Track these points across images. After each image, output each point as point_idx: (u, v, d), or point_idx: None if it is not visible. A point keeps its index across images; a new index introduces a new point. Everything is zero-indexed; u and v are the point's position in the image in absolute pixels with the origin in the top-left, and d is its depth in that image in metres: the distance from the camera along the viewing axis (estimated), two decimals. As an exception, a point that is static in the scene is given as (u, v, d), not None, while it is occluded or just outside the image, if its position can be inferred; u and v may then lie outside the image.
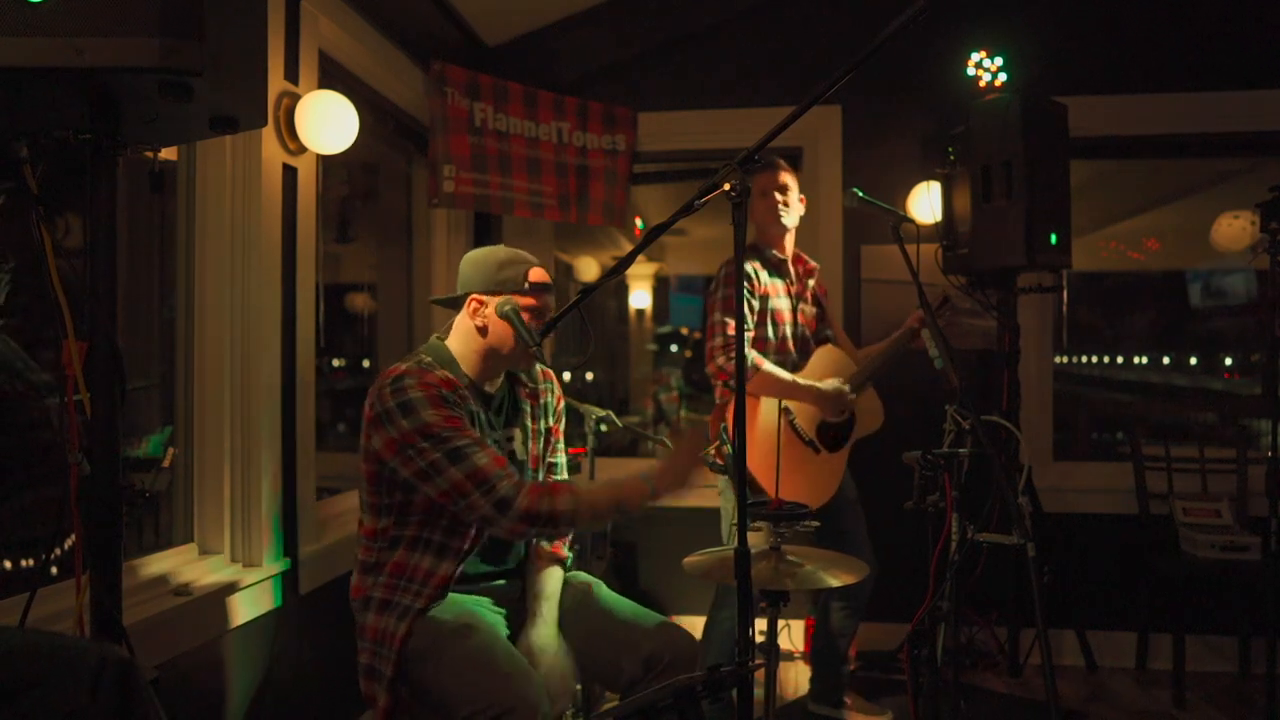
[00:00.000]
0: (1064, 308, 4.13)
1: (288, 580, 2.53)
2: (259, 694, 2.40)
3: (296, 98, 2.51)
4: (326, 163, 2.80)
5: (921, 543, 2.34)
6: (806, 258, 3.03)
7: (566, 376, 5.93)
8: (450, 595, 1.93)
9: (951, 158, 3.41)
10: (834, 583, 1.67)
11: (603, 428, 2.82)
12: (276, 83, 2.45)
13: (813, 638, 3.07)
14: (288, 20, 2.51)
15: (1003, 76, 3.61)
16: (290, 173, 2.55)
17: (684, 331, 9.55)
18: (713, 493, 2.89)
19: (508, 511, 1.77)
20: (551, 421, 2.18)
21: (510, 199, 3.55)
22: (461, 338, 2.00)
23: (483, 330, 1.96)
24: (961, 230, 3.34)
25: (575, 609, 2.04)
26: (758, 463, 2.66)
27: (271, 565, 2.43)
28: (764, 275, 2.85)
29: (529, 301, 1.96)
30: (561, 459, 2.23)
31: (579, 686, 2.57)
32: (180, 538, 2.35)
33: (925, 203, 3.60)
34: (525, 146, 3.60)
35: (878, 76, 3.72)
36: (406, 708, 1.89)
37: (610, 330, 8.51)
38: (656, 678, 1.85)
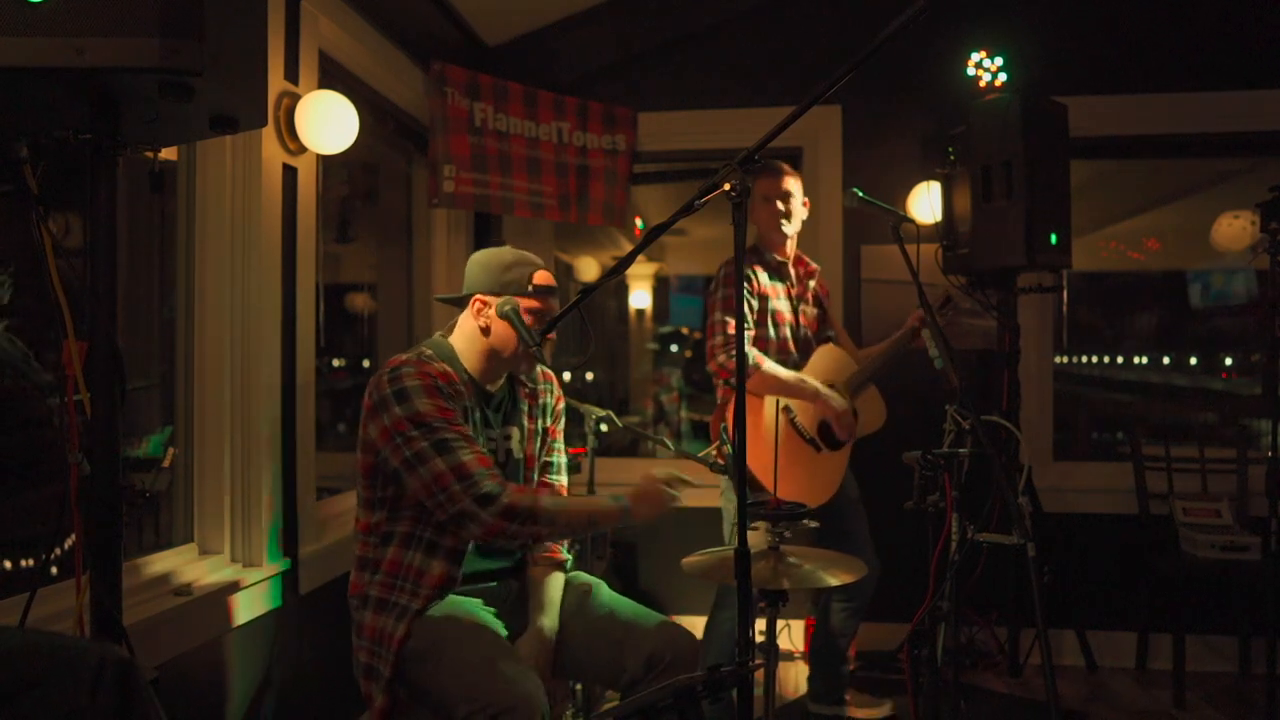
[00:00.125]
0: (1064, 308, 4.14)
1: (288, 580, 2.53)
2: (259, 694, 2.40)
3: (296, 98, 2.51)
4: (326, 163, 2.80)
5: (921, 543, 2.34)
6: (807, 259, 3.03)
7: (566, 376, 5.92)
8: (448, 596, 1.92)
9: (951, 158, 3.41)
10: (833, 582, 1.67)
11: (603, 428, 2.82)
12: (276, 83, 2.45)
13: (813, 637, 3.07)
14: (288, 20, 2.51)
15: (1003, 76, 3.61)
16: (290, 173, 2.55)
17: (684, 331, 9.54)
18: (712, 492, 2.89)
19: (489, 506, 1.77)
20: (549, 422, 2.19)
21: (510, 199, 3.55)
22: (465, 337, 2.01)
23: (485, 330, 1.97)
24: (961, 230, 3.34)
25: (576, 609, 2.04)
26: (758, 461, 2.66)
27: (271, 565, 2.43)
28: (763, 277, 2.85)
29: (533, 304, 1.96)
30: (560, 459, 2.23)
31: (579, 686, 2.58)
32: (180, 538, 2.35)
33: (925, 203, 3.60)
34: (525, 146, 3.60)
35: (878, 76, 3.72)
36: (404, 708, 1.89)
37: (610, 330, 8.51)
38: (657, 677, 1.85)
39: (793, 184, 2.88)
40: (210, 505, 2.37)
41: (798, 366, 2.88)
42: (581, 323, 1.78)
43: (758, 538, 1.74)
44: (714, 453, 2.00)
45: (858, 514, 2.96)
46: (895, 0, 1.27)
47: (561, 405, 2.23)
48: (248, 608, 2.34)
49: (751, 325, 2.80)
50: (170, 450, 2.33)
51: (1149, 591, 3.51)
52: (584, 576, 2.17)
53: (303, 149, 2.56)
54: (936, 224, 3.50)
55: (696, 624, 2.97)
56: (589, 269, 7.23)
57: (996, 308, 3.41)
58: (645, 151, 3.94)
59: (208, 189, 2.37)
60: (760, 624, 1.84)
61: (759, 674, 1.54)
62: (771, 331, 2.85)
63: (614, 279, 1.78)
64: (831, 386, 2.90)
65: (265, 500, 2.42)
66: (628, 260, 1.66)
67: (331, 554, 2.71)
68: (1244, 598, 3.43)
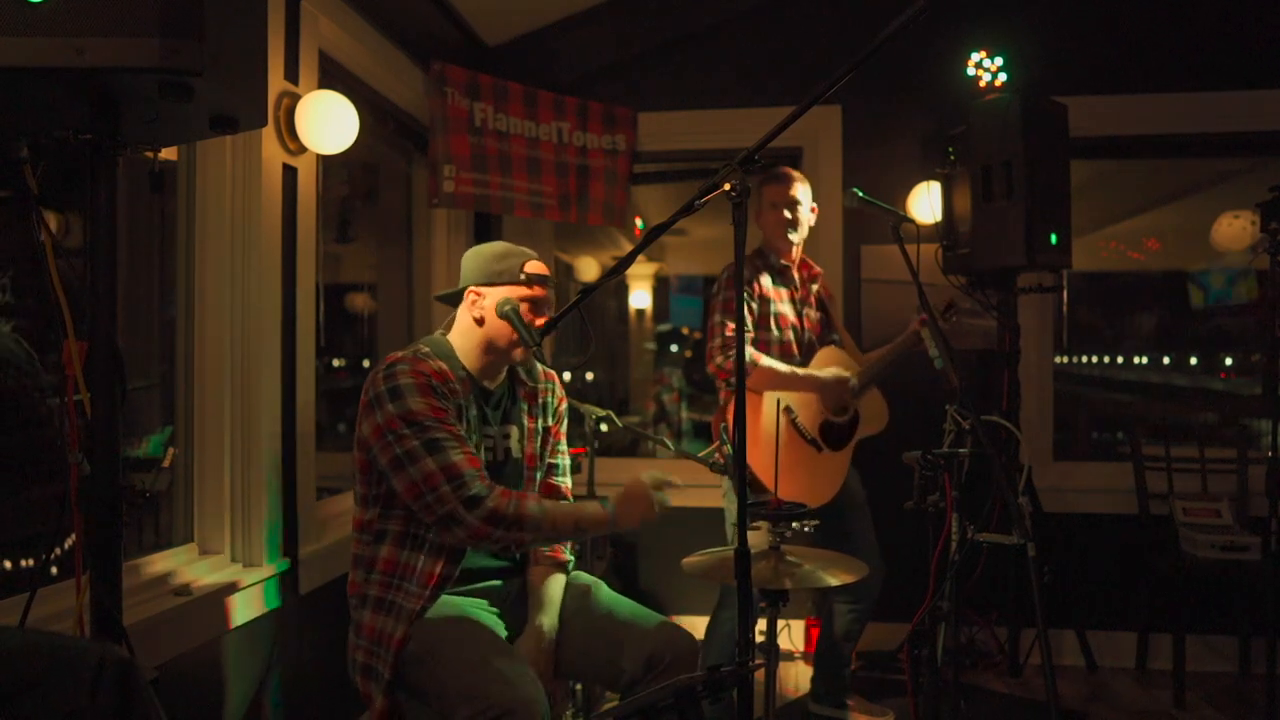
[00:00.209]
0: (1064, 308, 4.14)
1: (287, 580, 2.53)
2: (259, 694, 2.40)
3: (296, 98, 2.51)
4: (326, 163, 2.80)
5: (921, 543, 2.34)
6: (811, 263, 3.04)
7: (567, 376, 5.92)
8: (445, 597, 1.92)
9: (951, 158, 3.41)
10: (833, 582, 1.67)
11: (603, 428, 2.82)
12: (276, 83, 2.45)
13: (818, 639, 3.07)
14: (288, 20, 2.51)
15: (1003, 76, 3.61)
16: (290, 173, 2.55)
17: (684, 331, 9.54)
18: (712, 492, 2.89)
19: (475, 509, 1.77)
20: (550, 422, 2.18)
21: (510, 199, 3.55)
22: (462, 332, 2.02)
23: (479, 321, 1.98)
24: (961, 230, 3.35)
25: (576, 609, 2.04)
26: (759, 461, 2.67)
27: (271, 565, 2.43)
28: (767, 281, 2.86)
29: (525, 291, 1.96)
30: (564, 461, 2.23)
31: (579, 686, 2.58)
32: (180, 538, 2.35)
33: (925, 203, 3.60)
34: (525, 146, 3.60)
35: (878, 76, 3.72)
36: (404, 709, 1.89)
37: (610, 330, 8.51)
38: (657, 678, 1.85)
39: (801, 191, 2.89)
40: (210, 505, 2.37)
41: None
42: (581, 323, 1.78)
43: (759, 538, 1.74)
44: (715, 453, 2.00)
45: (862, 515, 2.96)
46: (895, 0, 1.27)
47: (564, 406, 2.23)
48: (247, 608, 2.34)
49: (752, 328, 2.81)
50: (170, 450, 2.33)
51: (1149, 591, 3.51)
52: (584, 576, 2.17)
53: (303, 149, 2.56)
54: (936, 224, 3.50)
55: (697, 624, 2.97)
56: (589, 269, 7.23)
57: (996, 308, 3.41)
58: (645, 151, 3.94)
59: (208, 189, 2.37)
60: (761, 624, 1.84)
61: (759, 674, 1.54)
62: (774, 334, 2.86)
63: (614, 279, 1.78)
64: None
65: (265, 500, 2.42)
66: (628, 260, 1.66)
67: (331, 554, 2.71)
68: (1244, 598, 3.43)
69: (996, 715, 3.13)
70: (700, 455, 2.05)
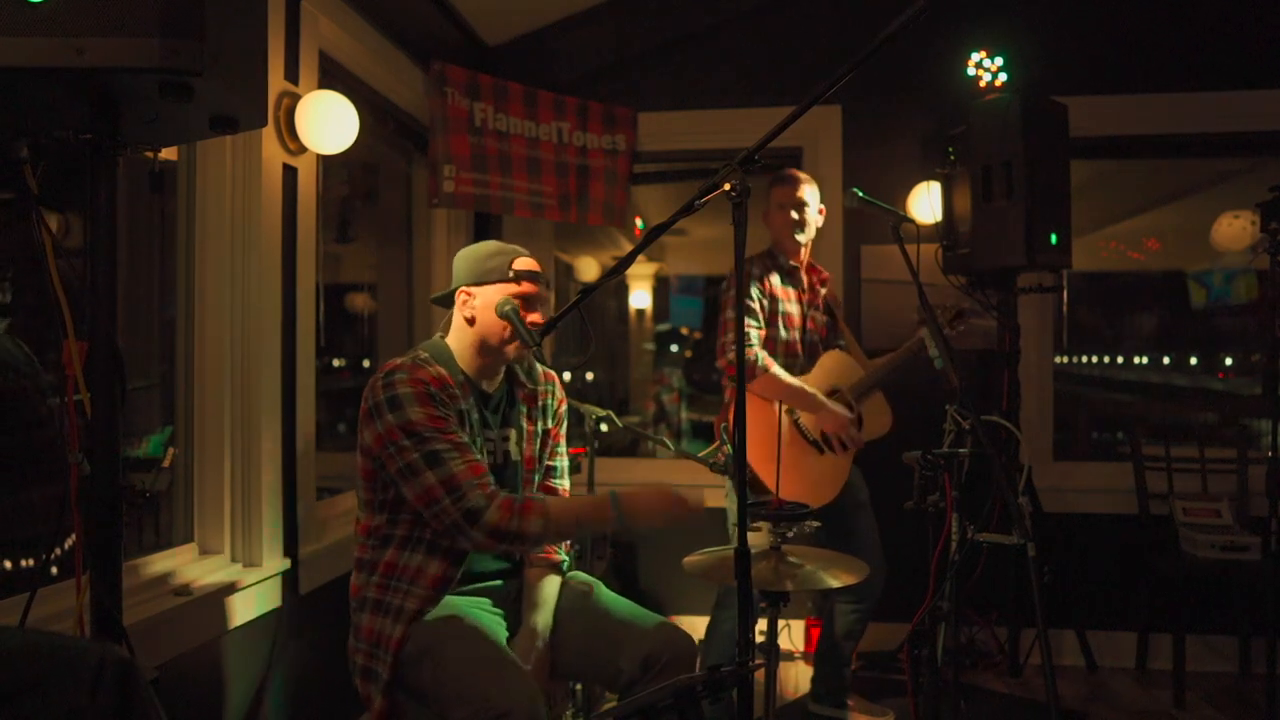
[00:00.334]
0: (1064, 308, 4.14)
1: (287, 580, 2.53)
2: (259, 694, 2.40)
3: (296, 98, 2.51)
4: (326, 163, 2.80)
5: (921, 543, 2.34)
6: (820, 267, 3.06)
7: (566, 376, 5.92)
8: (446, 598, 1.92)
9: (951, 158, 3.41)
10: (834, 583, 1.67)
11: (603, 428, 2.82)
12: (276, 83, 2.45)
13: (819, 639, 3.07)
14: (288, 20, 2.51)
15: (1003, 76, 3.61)
16: (290, 173, 2.55)
17: (684, 331, 9.54)
18: (713, 492, 2.89)
19: (476, 523, 1.77)
20: (550, 424, 2.18)
21: (510, 199, 3.55)
22: (456, 333, 2.02)
23: (471, 321, 1.98)
24: (961, 230, 3.35)
25: (574, 609, 2.04)
26: (761, 461, 2.67)
27: (271, 565, 2.43)
28: (776, 280, 2.87)
29: (515, 289, 1.96)
30: (563, 463, 2.23)
31: (579, 687, 2.58)
32: (180, 538, 2.35)
33: (925, 203, 3.60)
34: (525, 146, 3.60)
35: (878, 76, 3.71)
36: (403, 710, 1.89)
37: (610, 330, 8.51)
38: (654, 678, 1.85)
39: (808, 193, 2.90)
40: (210, 505, 2.37)
41: (803, 370, 2.89)
42: (581, 323, 1.78)
43: (760, 538, 1.74)
44: (716, 453, 2.00)
45: (864, 516, 2.95)
46: (895, 0, 1.27)
47: (564, 408, 2.22)
48: (247, 608, 2.34)
49: (762, 325, 2.81)
50: (170, 450, 2.33)
51: (1149, 591, 3.51)
52: (583, 577, 2.16)
53: (303, 149, 2.56)
54: (936, 224, 3.50)
55: (696, 624, 2.97)
56: (589, 269, 7.23)
57: (996, 308, 3.41)
58: (645, 151, 3.94)
59: (208, 189, 2.37)
60: (761, 624, 1.84)
61: (759, 674, 1.54)
62: (781, 333, 2.87)
63: (614, 279, 1.78)
64: (835, 391, 2.91)
65: (265, 500, 2.42)
66: (628, 260, 1.66)
67: (331, 554, 2.71)
68: (1244, 598, 3.43)
69: (996, 715, 3.13)
70: (701, 455, 2.05)
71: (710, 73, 3.95)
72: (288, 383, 2.55)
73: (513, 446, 2.07)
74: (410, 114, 3.43)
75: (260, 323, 2.41)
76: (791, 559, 1.75)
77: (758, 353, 2.72)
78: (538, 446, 2.13)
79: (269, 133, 2.42)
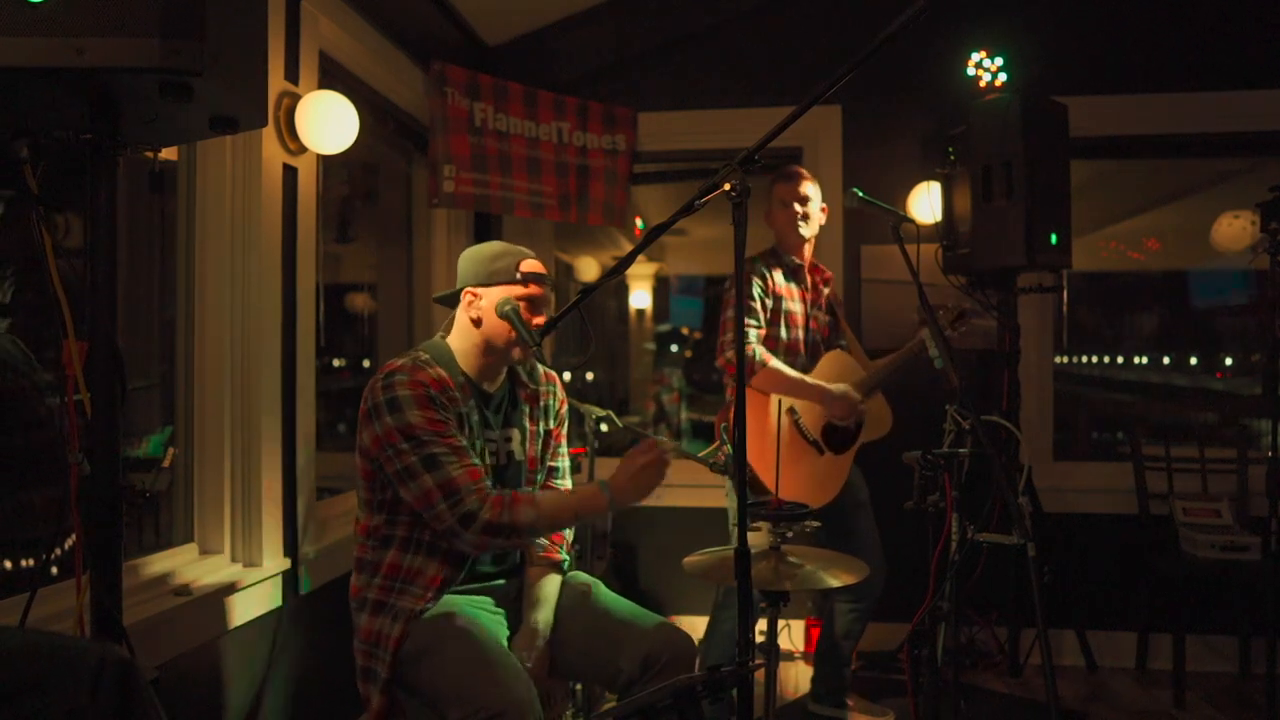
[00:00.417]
0: (1064, 308, 4.14)
1: (288, 580, 2.53)
2: (259, 694, 2.40)
3: (297, 98, 2.51)
4: (326, 163, 2.80)
5: (921, 543, 2.34)
6: (824, 267, 3.06)
7: (567, 376, 5.92)
8: (447, 596, 1.92)
9: (951, 158, 3.41)
10: (834, 583, 1.67)
11: (603, 427, 2.82)
12: (276, 83, 2.45)
13: (818, 638, 3.07)
14: (288, 20, 2.51)
15: (1003, 76, 3.61)
16: (290, 173, 2.55)
17: (684, 331, 9.54)
18: (712, 492, 2.90)
19: (470, 526, 1.78)
20: (552, 424, 2.18)
21: (510, 199, 3.55)
22: (460, 334, 2.02)
23: (477, 322, 1.98)
24: (961, 230, 3.35)
25: (574, 609, 2.04)
26: (761, 461, 2.67)
27: (271, 565, 2.43)
28: (779, 278, 2.87)
29: (521, 290, 1.96)
30: (563, 463, 2.23)
31: (579, 686, 2.58)
32: (180, 538, 2.35)
33: (925, 203, 3.60)
34: (525, 146, 3.60)
35: (878, 76, 3.71)
36: (402, 710, 1.89)
37: (610, 330, 8.51)
38: (654, 678, 1.85)
39: (810, 189, 2.90)
40: (210, 505, 2.37)
41: (805, 370, 2.88)
42: (581, 323, 1.78)
43: (760, 538, 1.74)
44: (716, 453, 2.00)
45: (864, 516, 2.95)
46: (895, 0, 1.27)
47: (565, 408, 2.23)
48: (248, 608, 2.34)
49: (763, 324, 2.81)
50: (170, 450, 2.33)
51: (1149, 591, 3.51)
52: (582, 576, 2.17)
53: (303, 149, 2.56)
54: (936, 224, 3.50)
55: (696, 624, 2.97)
56: (589, 269, 7.23)
57: (996, 308, 3.41)
58: (645, 151, 3.94)
59: (208, 189, 2.37)
60: (761, 624, 1.84)
61: (759, 674, 1.54)
62: (783, 332, 2.87)
63: (614, 279, 1.78)
64: None
65: (265, 500, 2.42)
66: (628, 260, 1.66)
67: (331, 554, 2.71)
68: (1244, 598, 3.43)
69: (996, 715, 3.13)
70: (701, 455, 2.05)
71: (710, 73, 3.95)
72: (288, 383, 2.55)
73: (515, 446, 2.07)
74: (410, 114, 3.43)
75: (260, 323, 2.41)
76: (791, 559, 1.75)
77: (755, 349, 2.72)
78: (540, 446, 2.14)
79: (269, 133, 2.42)
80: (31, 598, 1.52)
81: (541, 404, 2.15)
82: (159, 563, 2.20)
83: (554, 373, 2.21)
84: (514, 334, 1.94)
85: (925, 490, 2.32)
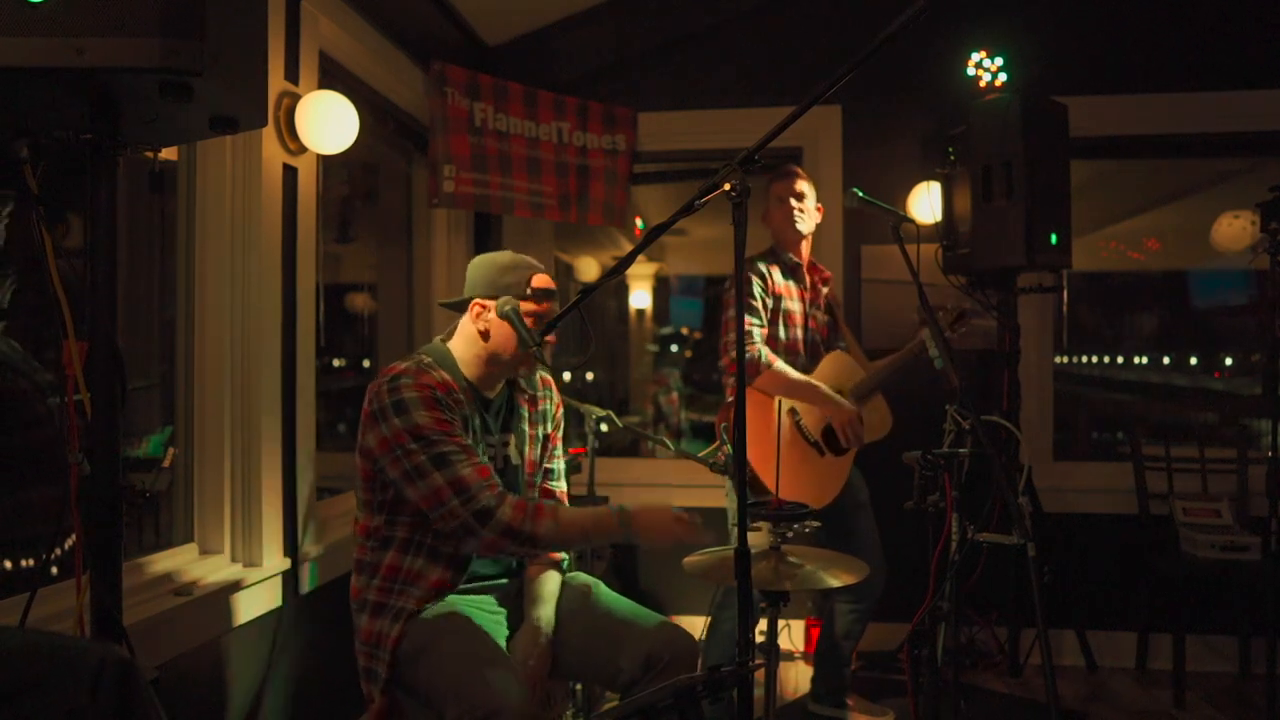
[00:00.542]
0: (1064, 308, 4.14)
1: (288, 580, 2.53)
2: (259, 694, 2.40)
3: (297, 98, 2.51)
4: (326, 163, 2.80)
5: (921, 543, 2.34)
6: (822, 267, 3.06)
7: (567, 376, 5.93)
8: (450, 596, 1.92)
9: (951, 158, 3.41)
10: (834, 583, 1.67)
11: (603, 428, 2.82)
12: (276, 83, 2.45)
13: (818, 638, 3.07)
14: (288, 20, 2.51)
15: (1003, 76, 3.61)
16: (290, 173, 2.55)
17: (684, 332, 9.55)
18: (713, 492, 2.90)
19: (488, 522, 1.78)
20: (550, 429, 2.19)
21: (510, 199, 3.55)
22: (464, 341, 2.01)
23: (485, 334, 1.97)
24: (961, 230, 3.35)
25: (575, 609, 2.04)
26: (761, 461, 2.67)
27: (271, 565, 2.43)
28: (778, 276, 2.87)
29: (532, 306, 1.96)
30: (559, 465, 2.23)
31: (579, 686, 2.58)
32: (180, 538, 2.35)
33: (925, 203, 3.60)
34: (525, 146, 3.60)
35: (878, 76, 3.71)
36: (402, 709, 1.89)
37: (610, 330, 8.51)
38: (655, 678, 1.85)
39: (806, 186, 2.91)
40: (210, 505, 2.37)
41: (805, 370, 2.88)
42: (581, 323, 1.78)
43: (760, 538, 1.74)
44: (716, 453, 2.00)
45: (864, 516, 2.95)
46: (895, 0, 1.27)
47: (561, 412, 2.23)
48: (248, 608, 2.34)
49: (764, 323, 2.81)
50: (170, 450, 2.33)
51: (1149, 591, 3.51)
52: (583, 576, 2.17)
53: (303, 149, 2.56)
54: (936, 224, 3.50)
55: (696, 624, 2.97)
56: (589, 269, 7.24)
57: (996, 308, 3.41)
58: (645, 151, 3.94)
59: (208, 189, 2.37)
60: (761, 624, 1.84)
61: (759, 674, 1.54)
62: (782, 332, 2.86)
63: (614, 279, 1.78)
64: (838, 392, 2.91)
65: (265, 500, 2.42)
66: (628, 260, 1.66)
67: (331, 554, 2.71)
68: (1244, 598, 3.43)
69: (996, 715, 3.13)
70: (701, 455, 2.05)
71: (710, 73, 3.95)
72: (288, 383, 2.55)
73: (513, 451, 2.08)
74: (410, 114, 3.43)
75: (260, 323, 2.41)
76: (791, 559, 1.75)
77: (760, 349, 2.72)
78: (538, 451, 2.14)
79: (269, 133, 2.42)
80: (31, 598, 1.52)
81: (539, 408, 2.15)
82: (159, 563, 2.20)
83: (549, 377, 2.21)
84: (520, 347, 1.93)
85: (925, 490, 2.32)
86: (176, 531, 2.35)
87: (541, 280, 1.99)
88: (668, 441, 2.21)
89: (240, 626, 2.32)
